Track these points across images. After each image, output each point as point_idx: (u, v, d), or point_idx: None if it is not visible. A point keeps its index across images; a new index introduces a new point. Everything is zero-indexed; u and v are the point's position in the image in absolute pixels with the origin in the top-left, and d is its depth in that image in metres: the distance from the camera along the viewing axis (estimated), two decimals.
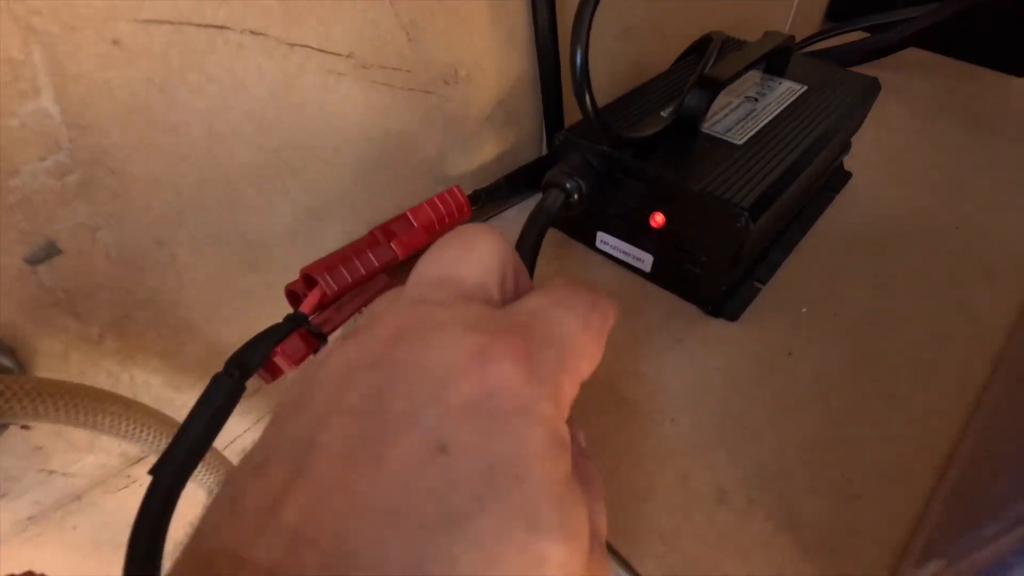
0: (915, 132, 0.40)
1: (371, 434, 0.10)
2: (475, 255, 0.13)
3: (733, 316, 0.26)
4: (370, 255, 0.23)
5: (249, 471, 0.10)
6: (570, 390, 0.11)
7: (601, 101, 0.29)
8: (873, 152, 0.37)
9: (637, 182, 0.25)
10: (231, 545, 0.09)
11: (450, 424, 0.10)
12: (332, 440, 0.10)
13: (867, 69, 0.43)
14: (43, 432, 0.21)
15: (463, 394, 0.10)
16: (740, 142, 0.26)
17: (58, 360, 0.20)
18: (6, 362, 0.19)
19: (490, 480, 0.09)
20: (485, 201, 0.29)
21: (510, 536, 0.09)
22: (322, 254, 0.23)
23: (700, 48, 0.33)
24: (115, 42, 0.17)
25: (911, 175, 0.35)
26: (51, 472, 0.22)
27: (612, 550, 0.18)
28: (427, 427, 0.10)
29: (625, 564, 0.18)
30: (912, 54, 0.47)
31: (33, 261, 0.18)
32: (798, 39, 0.47)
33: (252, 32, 0.20)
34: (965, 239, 0.30)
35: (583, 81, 0.22)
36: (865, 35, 0.49)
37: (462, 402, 0.10)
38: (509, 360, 0.10)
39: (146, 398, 0.23)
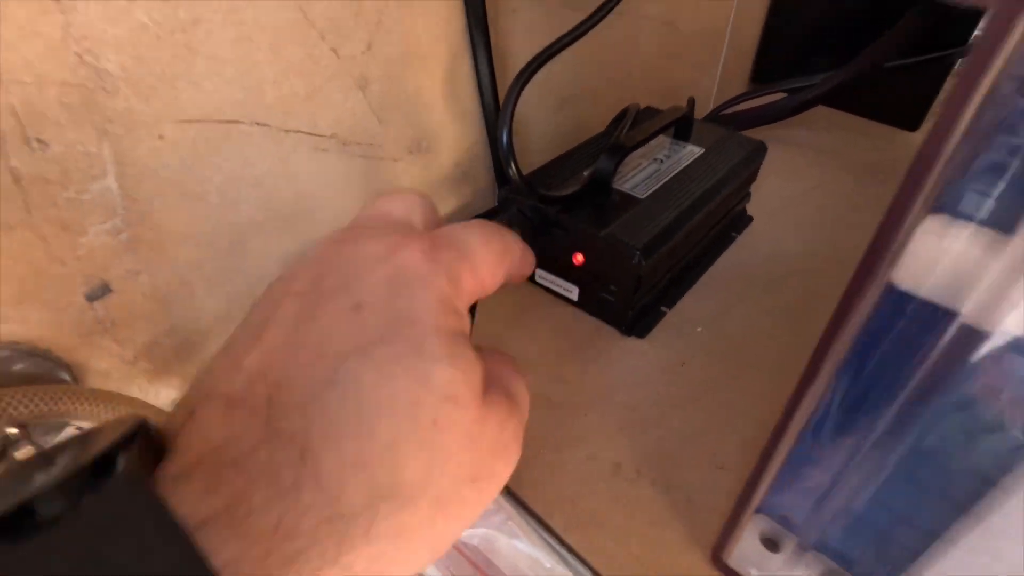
0: (813, 180, 0.47)
1: (308, 304, 0.13)
2: (400, 200, 0.17)
3: (642, 334, 0.32)
4: None
5: (227, 344, 0.14)
6: (469, 281, 0.15)
7: (541, 161, 0.36)
8: (774, 198, 0.44)
9: (560, 230, 0.31)
10: (207, 386, 0.13)
11: (367, 291, 0.13)
12: (282, 314, 0.13)
13: (782, 126, 0.51)
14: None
15: (378, 272, 0.14)
16: (643, 196, 0.33)
17: (102, 377, 0.26)
18: (65, 376, 0.25)
19: (392, 325, 0.13)
20: None
21: (401, 359, 0.12)
22: None
23: (619, 118, 0.40)
24: (161, 137, 0.24)
25: (805, 218, 0.43)
26: None
27: (528, 509, 0.24)
28: (349, 294, 0.13)
29: (539, 520, 0.24)
30: (820, 111, 0.55)
31: (91, 298, 0.24)
32: (725, 99, 0.55)
33: (258, 124, 0.26)
34: (845, 272, 0.37)
35: (508, 155, 0.28)
36: (783, 95, 0.57)
37: (377, 278, 0.14)
38: (417, 250, 0.14)
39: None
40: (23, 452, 0.21)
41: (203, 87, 0.24)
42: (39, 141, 0.21)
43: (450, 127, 0.35)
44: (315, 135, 0.29)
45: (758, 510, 0.22)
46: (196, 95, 0.24)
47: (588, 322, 0.34)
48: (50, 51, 0.20)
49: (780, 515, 0.21)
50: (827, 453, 0.17)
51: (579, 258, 0.31)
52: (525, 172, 0.31)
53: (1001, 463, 0.13)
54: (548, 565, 0.24)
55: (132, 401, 0.25)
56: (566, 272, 0.33)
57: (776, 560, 0.21)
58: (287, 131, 0.28)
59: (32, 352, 0.24)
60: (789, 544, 0.21)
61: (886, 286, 0.13)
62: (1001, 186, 0.10)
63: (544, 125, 0.42)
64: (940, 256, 0.12)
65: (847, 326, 0.14)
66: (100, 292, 0.24)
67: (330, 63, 0.28)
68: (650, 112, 0.41)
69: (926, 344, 0.13)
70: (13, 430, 0.20)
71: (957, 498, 0.14)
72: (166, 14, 0.22)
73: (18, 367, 0.23)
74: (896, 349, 0.14)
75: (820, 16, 0.55)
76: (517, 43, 0.36)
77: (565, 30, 0.31)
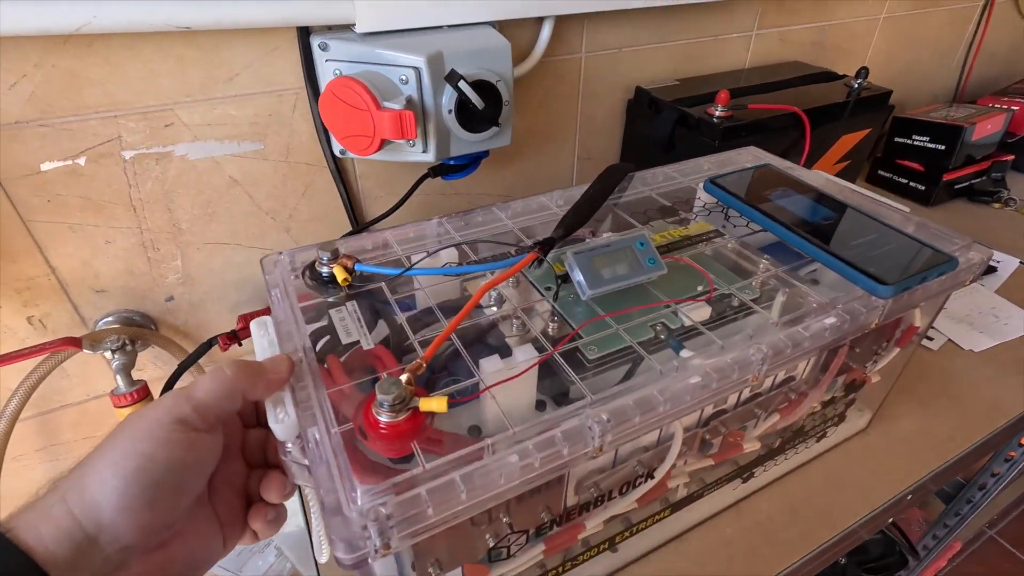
0: None
1: None
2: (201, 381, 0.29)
3: None
4: None
5: None
6: (202, 396, 0.28)
7: None
8: None
9: None
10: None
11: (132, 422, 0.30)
12: None
13: None
14: (155, 355, 0.67)
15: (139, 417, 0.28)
16: None
17: (166, 333, 0.66)
18: (150, 325, 0.65)
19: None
20: None
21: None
22: None
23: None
24: (203, 245, 0.63)
25: None
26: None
27: None
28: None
29: None
30: None
31: (167, 300, 0.64)
32: None
33: (238, 244, 0.65)
34: None
35: None
36: None
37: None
38: (169, 397, 0.27)
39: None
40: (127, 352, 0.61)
41: (218, 230, 0.63)
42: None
43: None
44: (265, 249, 0.67)
45: None
46: (220, 230, 0.63)
47: None
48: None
49: None
50: None
51: None
52: None
53: None
54: None
55: (169, 342, 0.65)
56: None
57: None
58: (251, 247, 0.66)
59: (139, 316, 0.64)
60: None
61: None
62: None
63: None
64: None
65: None
66: (169, 298, 0.64)
67: (269, 223, 0.66)
68: None
69: None
70: (129, 345, 0.61)
71: None
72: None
73: (134, 319, 0.64)
74: None
75: None
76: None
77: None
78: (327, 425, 0.29)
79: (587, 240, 0.43)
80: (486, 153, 0.67)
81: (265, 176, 0.63)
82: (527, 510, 0.36)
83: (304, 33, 0.56)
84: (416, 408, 0.29)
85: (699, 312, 0.40)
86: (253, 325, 0.35)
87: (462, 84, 0.53)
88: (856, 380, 0.51)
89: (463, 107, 0.56)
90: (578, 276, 0.37)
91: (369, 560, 0.25)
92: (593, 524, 0.39)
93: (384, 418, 0.28)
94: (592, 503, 0.38)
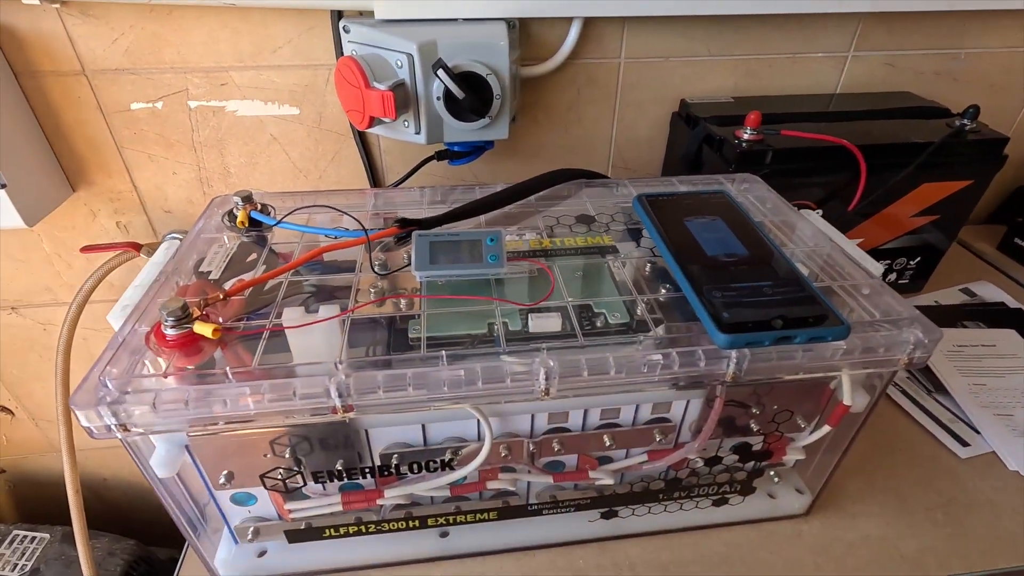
0: None
1: None
2: None
3: None
4: None
5: None
6: None
7: None
8: None
9: None
10: None
11: None
12: None
13: None
14: None
15: None
16: None
17: None
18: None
19: None
20: None
21: None
22: None
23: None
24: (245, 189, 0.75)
25: None
26: None
27: None
28: None
29: None
30: None
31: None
32: None
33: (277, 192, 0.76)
34: None
35: None
36: None
37: None
38: None
39: None
40: None
41: (259, 179, 0.74)
42: None
43: None
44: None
45: None
46: (260, 179, 0.74)
47: None
48: None
49: None
50: None
51: None
52: None
53: None
54: None
55: None
56: None
57: None
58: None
59: None
60: None
61: None
62: None
63: None
64: None
65: None
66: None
67: (301, 180, 0.75)
68: None
69: None
70: None
71: None
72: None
73: None
74: None
75: None
76: None
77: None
78: (137, 323, 0.35)
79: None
80: (491, 144, 0.69)
81: (300, 138, 0.72)
82: (319, 458, 0.39)
83: (337, 16, 0.64)
84: (191, 329, 0.33)
85: (548, 322, 0.39)
86: (165, 240, 0.43)
87: (440, 73, 0.56)
88: (758, 450, 0.44)
89: (450, 95, 0.59)
90: (413, 256, 0.39)
91: (118, 435, 0.31)
92: (393, 494, 0.41)
93: (166, 331, 0.33)
94: (392, 472, 0.40)
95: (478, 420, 0.38)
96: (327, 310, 0.37)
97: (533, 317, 0.39)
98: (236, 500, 0.41)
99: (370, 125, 0.61)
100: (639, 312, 0.40)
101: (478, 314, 0.38)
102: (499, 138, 0.66)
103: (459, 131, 0.63)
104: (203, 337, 0.34)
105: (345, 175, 0.76)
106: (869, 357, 0.36)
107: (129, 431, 0.32)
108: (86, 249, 0.64)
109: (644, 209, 0.45)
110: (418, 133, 0.63)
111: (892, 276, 0.75)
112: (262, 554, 0.44)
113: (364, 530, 0.44)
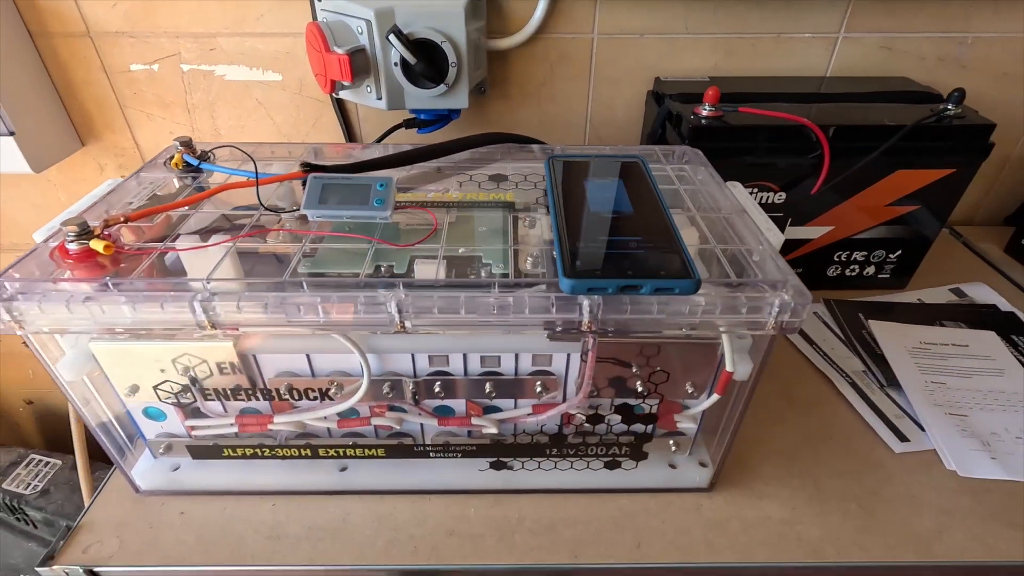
0: None
1: None
2: None
3: None
4: None
5: None
6: None
7: None
8: None
9: None
10: None
11: None
12: None
13: None
14: None
15: None
16: None
17: None
18: None
19: None
20: None
21: None
22: None
23: None
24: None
25: None
26: None
27: None
28: None
29: None
30: None
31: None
32: None
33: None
34: None
35: None
36: None
37: None
38: None
39: None
40: None
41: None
42: None
43: None
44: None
45: None
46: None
47: None
48: None
49: None
50: None
51: None
52: None
53: None
54: None
55: None
56: None
57: None
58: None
59: None
60: None
61: None
62: None
63: None
64: None
65: None
66: None
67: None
68: None
69: None
70: None
71: None
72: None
73: None
74: None
75: None
76: None
77: None
78: (52, 240, 0.40)
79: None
80: (457, 113, 0.71)
81: (283, 104, 0.77)
82: (214, 380, 0.42)
83: None
84: (88, 245, 0.37)
85: (430, 268, 0.41)
86: (107, 181, 0.48)
87: (392, 38, 0.59)
88: (643, 413, 0.44)
89: (406, 62, 0.61)
90: (304, 196, 0.41)
91: (17, 331, 0.35)
92: (283, 420, 0.43)
93: (68, 246, 0.37)
94: (283, 399, 0.43)
95: (359, 356, 0.40)
96: (217, 238, 0.40)
97: (419, 263, 0.41)
98: (148, 414, 0.45)
99: (332, 89, 0.64)
100: (528, 264, 0.41)
101: (362, 253, 0.40)
102: (460, 107, 0.68)
103: (418, 98, 0.65)
104: (99, 253, 0.37)
105: (326, 140, 0.80)
106: (732, 316, 0.36)
107: (23, 328, 0.36)
108: None
109: (551, 170, 0.45)
110: (380, 99, 0.66)
111: (870, 270, 0.71)
112: (176, 469, 0.48)
113: (261, 453, 0.47)
